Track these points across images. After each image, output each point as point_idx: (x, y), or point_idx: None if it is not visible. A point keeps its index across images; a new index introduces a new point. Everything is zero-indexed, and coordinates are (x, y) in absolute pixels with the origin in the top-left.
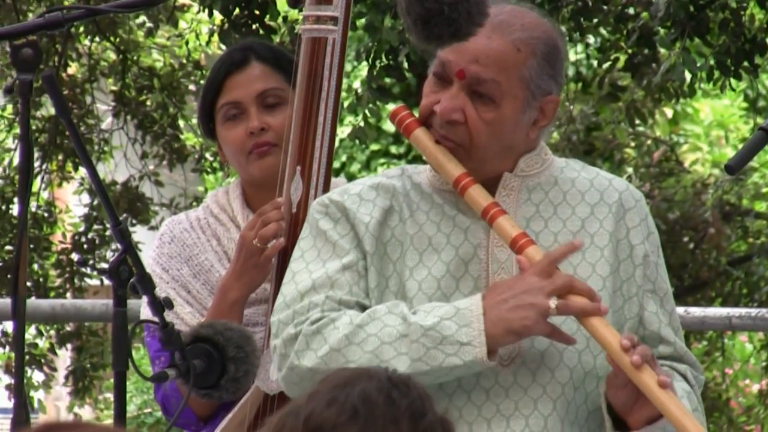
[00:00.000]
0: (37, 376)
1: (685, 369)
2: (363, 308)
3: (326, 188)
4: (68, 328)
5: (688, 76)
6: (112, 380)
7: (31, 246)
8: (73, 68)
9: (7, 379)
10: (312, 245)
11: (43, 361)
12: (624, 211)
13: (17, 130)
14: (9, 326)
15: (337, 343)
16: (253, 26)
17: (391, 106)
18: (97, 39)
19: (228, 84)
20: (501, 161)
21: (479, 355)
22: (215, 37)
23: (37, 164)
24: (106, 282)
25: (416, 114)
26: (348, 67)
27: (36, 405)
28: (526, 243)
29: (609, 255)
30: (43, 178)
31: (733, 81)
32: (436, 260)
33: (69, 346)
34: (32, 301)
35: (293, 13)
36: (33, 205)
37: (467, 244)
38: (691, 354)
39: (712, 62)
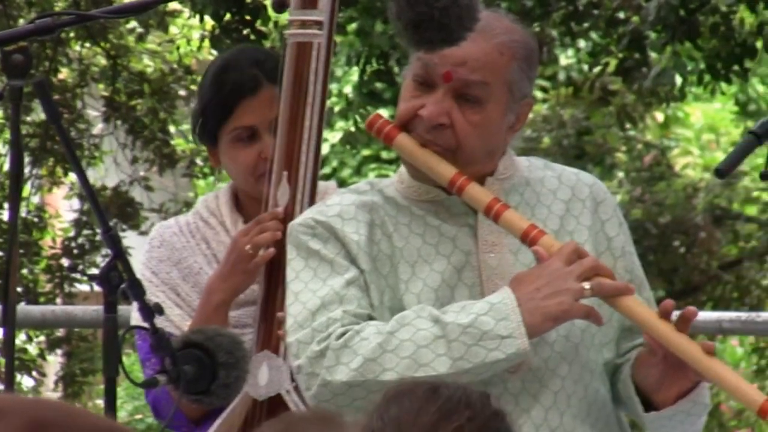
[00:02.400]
0: (27, 382)
1: None
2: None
3: (313, 193)
4: (58, 334)
5: (678, 80)
6: (102, 386)
7: (22, 251)
8: (63, 73)
9: None
10: (305, 266)
11: (32, 366)
12: (596, 204)
13: (8, 136)
14: None
15: (371, 352)
16: (244, 31)
17: (383, 111)
18: (87, 44)
19: (240, 109)
20: (483, 165)
21: (522, 347)
22: (206, 43)
23: (27, 169)
24: (96, 288)
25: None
26: (339, 72)
27: None
28: (538, 234)
29: (590, 250)
30: (33, 183)
31: (723, 85)
32: (429, 271)
33: (59, 351)
34: (23, 307)
35: (284, 19)
36: (23, 211)
37: (458, 252)
38: None
39: (702, 66)
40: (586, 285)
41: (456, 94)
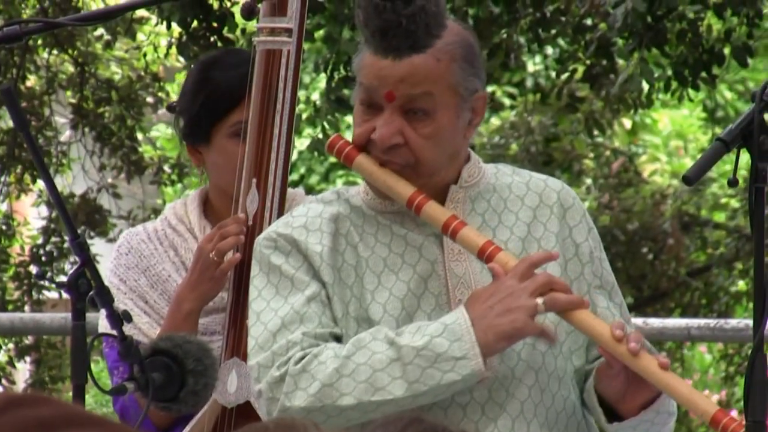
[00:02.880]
0: None
1: None
2: (336, 338)
3: (282, 201)
4: (27, 341)
5: (646, 86)
6: (71, 393)
7: None
8: (31, 80)
9: None
10: (266, 282)
11: (2, 374)
12: (564, 210)
13: None
14: None
15: (328, 378)
16: (212, 38)
17: (350, 118)
18: (55, 51)
19: (247, 101)
20: (447, 171)
21: (476, 368)
22: (173, 50)
23: None
24: (65, 295)
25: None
26: (307, 78)
27: None
28: (494, 250)
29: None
30: (1, 190)
31: (691, 91)
32: (395, 281)
33: (28, 359)
34: None
35: (251, 26)
36: None
37: (424, 261)
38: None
39: (670, 73)
40: (539, 300)
41: (403, 110)
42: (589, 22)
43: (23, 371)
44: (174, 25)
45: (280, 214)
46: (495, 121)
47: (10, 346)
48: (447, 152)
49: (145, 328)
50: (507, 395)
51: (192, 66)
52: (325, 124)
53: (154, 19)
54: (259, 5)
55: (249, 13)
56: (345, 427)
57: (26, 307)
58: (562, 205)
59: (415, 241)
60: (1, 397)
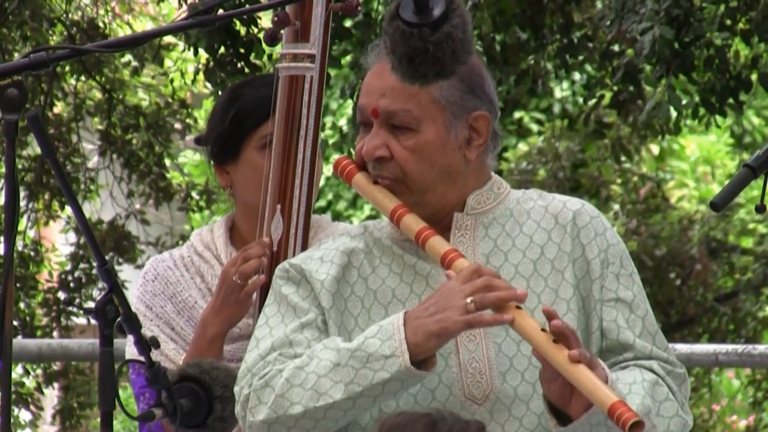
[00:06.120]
0: (24, 415)
1: (650, 363)
2: None
3: (306, 226)
4: (55, 367)
5: (673, 113)
6: (99, 419)
7: (18, 285)
8: (58, 107)
9: None
10: (276, 311)
11: (30, 400)
12: (578, 229)
13: (3, 170)
14: None
15: (280, 388)
16: (239, 65)
17: None
18: (82, 78)
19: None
20: (445, 191)
21: (403, 365)
22: (200, 76)
23: (23, 203)
24: (93, 321)
25: None
26: (333, 105)
27: None
28: (455, 257)
29: (570, 276)
30: (29, 217)
31: (718, 117)
32: (401, 311)
33: (56, 384)
34: (19, 341)
35: (278, 52)
36: (19, 244)
37: (429, 291)
38: (663, 352)
39: (697, 99)
40: (469, 300)
41: (387, 125)
42: (616, 48)
43: (51, 397)
44: (201, 51)
45: (305, 239)
46: (522, 147)
47: (39, 372)
48: (437, 167)
49: (171, 355)
50: (510, 417)
51: (220, 92)
52: (352, 150)
53: (181, 45)
54: (282, 32)
55: (271, 39)
56: None
57: (54, 333)
58: (576, 224)
59: (423, 270)
60: None
